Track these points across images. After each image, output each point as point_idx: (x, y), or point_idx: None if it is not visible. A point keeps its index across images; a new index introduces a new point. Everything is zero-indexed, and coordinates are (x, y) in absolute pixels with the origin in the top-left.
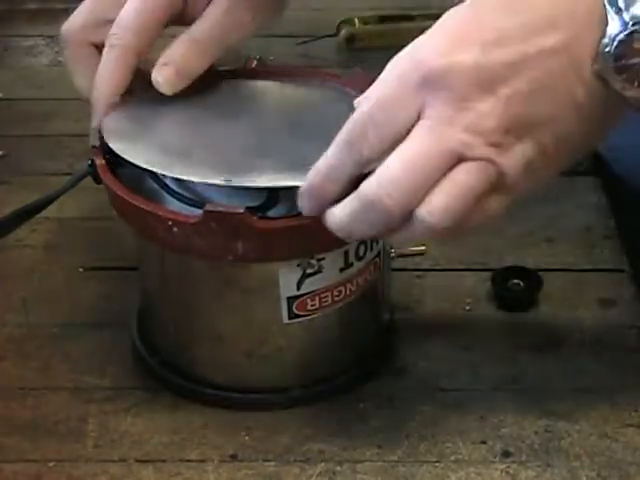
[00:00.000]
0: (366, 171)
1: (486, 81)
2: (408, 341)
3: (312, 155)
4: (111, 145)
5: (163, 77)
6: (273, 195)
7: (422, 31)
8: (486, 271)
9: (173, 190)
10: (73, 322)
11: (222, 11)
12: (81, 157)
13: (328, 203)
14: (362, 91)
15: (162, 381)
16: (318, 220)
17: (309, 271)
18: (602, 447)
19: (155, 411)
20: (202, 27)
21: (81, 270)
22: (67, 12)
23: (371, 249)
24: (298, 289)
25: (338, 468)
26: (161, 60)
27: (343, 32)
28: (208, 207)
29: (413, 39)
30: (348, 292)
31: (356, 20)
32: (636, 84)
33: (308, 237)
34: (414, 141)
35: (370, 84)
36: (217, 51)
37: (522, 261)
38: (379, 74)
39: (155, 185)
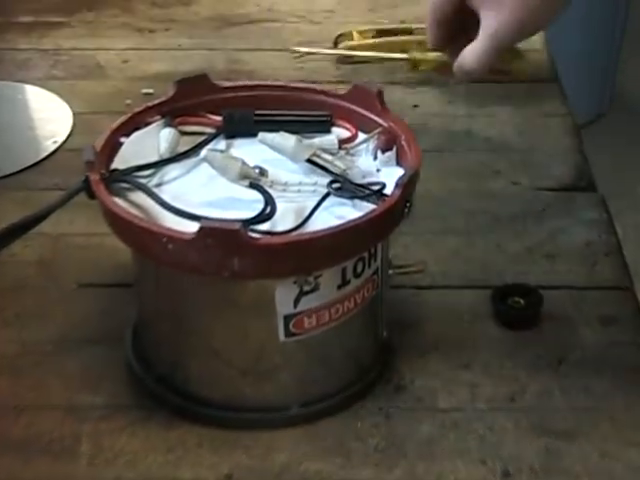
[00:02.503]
0: None
1: None
2: (406, 359)
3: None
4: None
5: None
6: (269, 205)
7: (420, 44)
8: (486, 288)
9: (169, 204)
10: (67, 339)
11: None
12: (75, 172)
13: None
14: (363, 107)
15: (157, 399)
16: (315, 237)
17: (306, 288)
18: (604, 467)
19: (150, 430)
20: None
21: (75, 286)
22: (61, 25)
23: (369, 266)
24: (295, 307)
25: None
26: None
27: (341, 46)
28: (204, 223)
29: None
30: (346, 310)
31: (354, 33)
32: None
33: (305, 254)
34: None
35: (369, 99)
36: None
37: (522, 278)
38: (377, 89)
39: (150, 201)
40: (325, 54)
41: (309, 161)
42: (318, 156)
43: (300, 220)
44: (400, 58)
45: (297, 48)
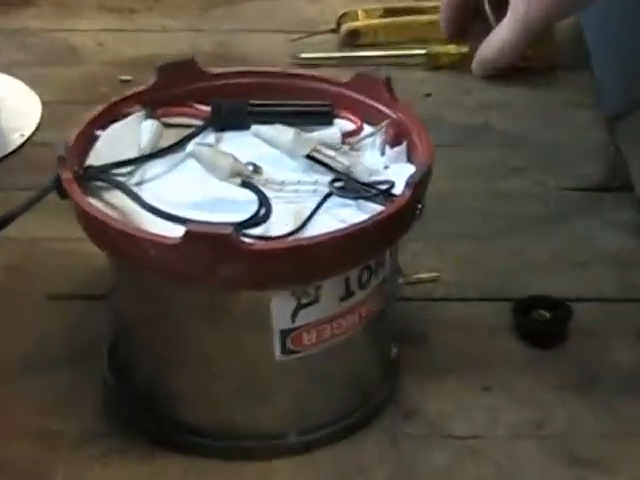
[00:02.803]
0: None
1: None
2: (417, 380)
3: None
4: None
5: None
6: (263, 207)
7: (431, 26)
8: (506, 300)
9: (150, 205)
10: (37, 357)
11: None
12: (45, 169)
13: None
14: (369, 96)
15: (137, 425)
16: (315, 242)
17: (305, 300)
18: None
19: (129, 460)
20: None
21: (45, 297)
22: (27, 3)
23: (376, 275)
24: (293, 321)
25: None
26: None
27: (344, 27)
28: (190, 227)
29: (422, 35)
30: (349, 324)
31: (359, 13)
32: None
33: (304, 261)
34: None
35: (376, 87)
36: None
37: (548, 289)
38: (384, 76)
39: (130, 201)
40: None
41: (309, 157)
42: (319, 151)
43: (298, 223)
44: (417, 54)
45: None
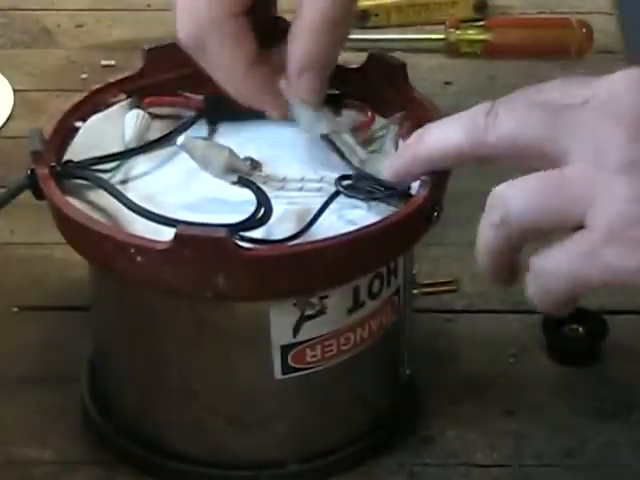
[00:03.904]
0: None
1: None
2: (435, 403)
3: None
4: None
5: (304, 85)
6: (262, 207)
7: (452, 5)
8: (534, 313)
9: (136, 205)
10: (5, 377)
11: None
12: (17, 165)
13: None
14: (381, 84)
15: (120, 453)
16: (321, 247)
17: (309, 312)
18: None
19: None
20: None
21: (15, 310)
22: None
23: (388, 284)
24: (295, 336)
25: None
26: (294, 66)
27: None
28: (180, 230)
29: (441, 16)
30: (358, 339)
31: None
32: None
33: (308, 269)
34: None
35: (389, 74)
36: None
37: (581, 300)
38: (399, 61)
39: (114, 201)
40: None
41: (327, 139)
42: (339, 135)
43: (302, 226)
44: (434, 38)
45: None
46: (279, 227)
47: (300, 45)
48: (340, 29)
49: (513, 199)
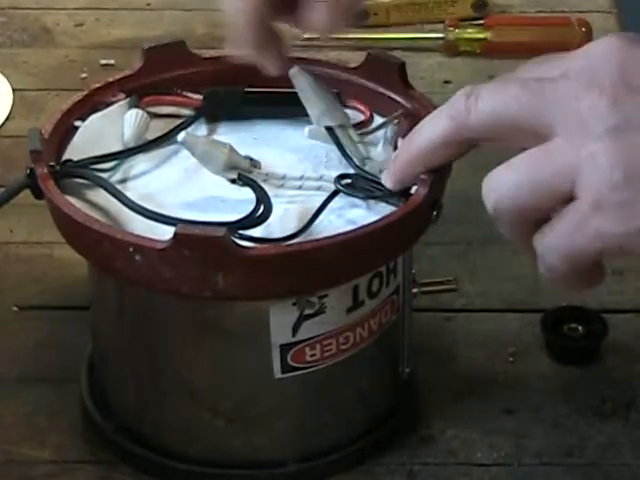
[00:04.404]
0: None
1: None
2: (435, 402)
3: None
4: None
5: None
6: (262, 204)
7: (451, 4)
8: (534, 312)
9: (136, 204)
10: (5, 376)
11: None
12: (17, 164)
13: None
14: (380, 83)
15: (120, 452)
16: (320, 246)
17: (308, 312)
18: None
19: None
20: None
21: (15, 309)
22: None
23: (387, 284)
24: (294, 335)
25: None
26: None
27: None
28: (180, 229)
29: (441, 15)
30: (358, 339)
31: None
32: None
33: (307, 268)
34: None
35: (388, 73)
36: None
37: (580, 300)
38: (398, 60)
39: (113, 201)
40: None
41: (332, 132)
42: (345, 130)
43: (301, 224)
44: (434, 37)
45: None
46: (278, 226)
47: None
48: None
49: (500, 185)
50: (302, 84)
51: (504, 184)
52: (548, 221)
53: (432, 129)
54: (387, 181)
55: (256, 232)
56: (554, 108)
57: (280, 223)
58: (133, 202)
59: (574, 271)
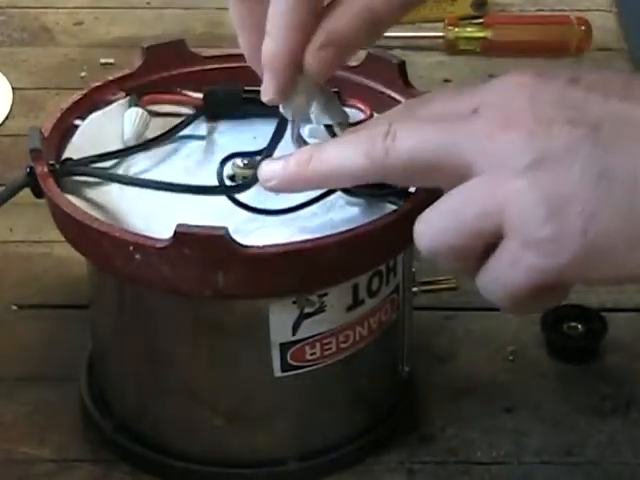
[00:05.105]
0: None
1: None
2: (435, 401)
3: None
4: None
5: (321, 58)
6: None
7: (451, 3)
8: None
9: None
10: (5, 375)
11: None
12: (16, 163)
13: None
14: (380, 82)
15: (119, 451)
16: (320, 245)
17: (308, 310)
18: None
19: None
20: None
21: (15, 308)
22: None
23: (387, 283)
24: (294, 333)
25: None
26: (319, 38)
27: None
28: (180, 228)
29: (440, 13)
30: (358, 337)
31: None
32: None
33: (307, 266)
34: None
35: (388, 72)
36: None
37: (581, 298)
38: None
39: (113, 200)
40: None
41: (331, 131)
42: (343, 127)
43: (297, 223)
44: (433, 36)
45: None
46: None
47: (334, 22)
48: (379, 24)
49: (429, 228)
50: (303, 85)
51: (432, 227)
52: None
53: (342, 160)
54: (270, 179)
55: (253, 230)
56: (471, 148)
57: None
58: (146, 179)
59: (519, 303)
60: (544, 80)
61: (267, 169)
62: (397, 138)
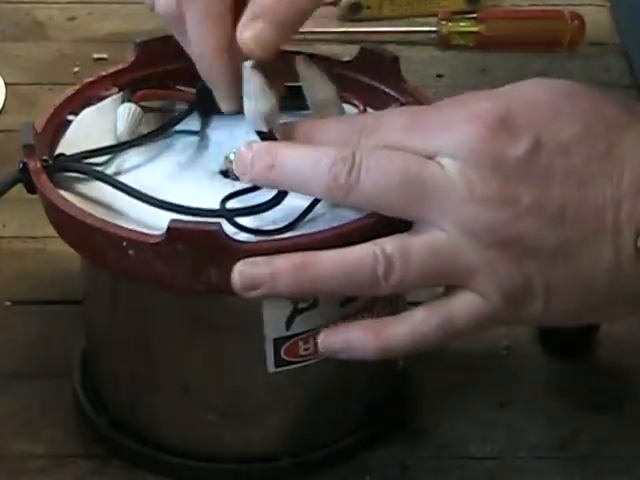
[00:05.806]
0: None
1: None
2: (429, 395)
3: None
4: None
5: (252, 31)
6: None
7: None
8: None
9: (136, 190)
10: None
11: None
12: (9, 159)
13: None
14: (374, 77)
15: (113, 447)
16: (315, 239)
17: (302, 305)
18: None
19: None
20: None
21: (8, 304)
22: None
23: None
24: (287, 328)
25: None
26: (248, 14)
27: None
28: (173, 223)
29: (433, 8)
30: None
31: None
32: None
33: None
34: None
35: (382, 67)
36: None
37: None
38: (391, 54)
39: (106, 196)
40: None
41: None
42: (337, 104)
43: (292, 218)
44: (427, 31)
45: None
46: (272, 218)
47: None
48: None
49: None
50: (308, 74)
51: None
52: None
53: (303, 179)
54: (242, 175)
55: (248, 222)
56: (431, 204)
57: (274, 216)
58: (132, 188)
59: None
60: (500, 130)
61: (240, 164)
62: (360, 181)
